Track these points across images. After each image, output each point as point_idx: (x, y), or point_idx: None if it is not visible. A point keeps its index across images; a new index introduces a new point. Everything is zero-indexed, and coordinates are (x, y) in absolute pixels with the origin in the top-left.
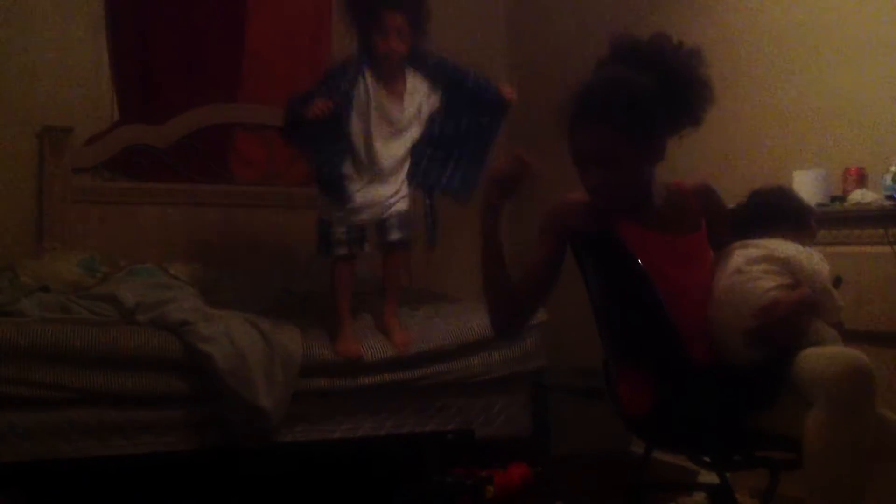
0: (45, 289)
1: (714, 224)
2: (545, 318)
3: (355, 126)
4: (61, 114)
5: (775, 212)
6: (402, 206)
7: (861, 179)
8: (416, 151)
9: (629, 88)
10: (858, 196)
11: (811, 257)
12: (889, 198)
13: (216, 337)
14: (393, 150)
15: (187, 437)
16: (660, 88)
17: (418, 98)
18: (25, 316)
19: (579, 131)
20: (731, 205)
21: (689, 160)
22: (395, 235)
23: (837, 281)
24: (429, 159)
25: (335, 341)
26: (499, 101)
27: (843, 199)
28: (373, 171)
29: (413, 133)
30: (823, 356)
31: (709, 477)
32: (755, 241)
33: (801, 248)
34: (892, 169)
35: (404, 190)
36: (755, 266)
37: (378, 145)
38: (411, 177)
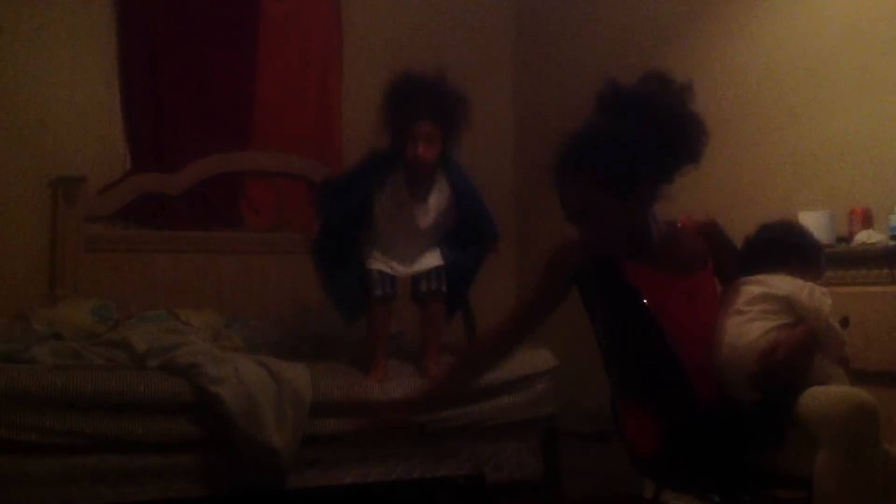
0: (58, 336)
1: (721, 261)
2: (556, 364)
3: (382, 223)
4: (74, 163)
5: (782, 247)
6: (431, 263)
7: (867, 220)
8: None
9: (603, 142)
10: (864, 237)
11: (812, 293)
12: (894, 238)
13: (226, 378)
14: (415, 249)
15: (198, 482)
16: (648, 132)
17: (442, 203)
18: (38, 363)
19: (562, 187)
20: (740, 242)
21: (695, 201)
22: (425, 286)
23: (844, 321)
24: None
25: (367, 373)
26: (492, 239)
27: (848, 239)
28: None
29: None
30: (828, 396)
31: None
32: (756, 278)
33: (801, 283)
34: None
35: (433, 261)
36: (755, 306)
37: (399, 247)
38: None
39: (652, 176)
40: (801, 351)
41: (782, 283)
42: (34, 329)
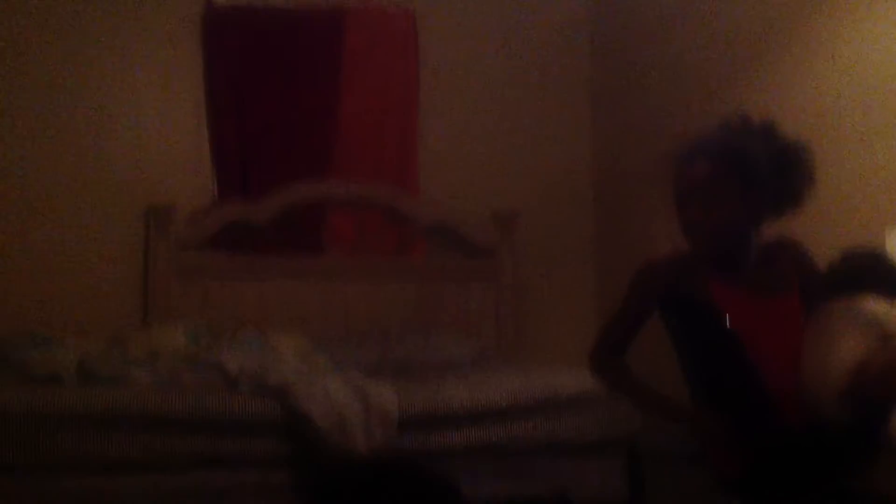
0: (154, 358)
1: (806, 283)
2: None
3: None
4: (166, 193)
5: (867, 275)
6: None
7: None
8: None
9: (752, 143)
10: None
11: None
12: None
13: (315, 396)
14: None
15: (292, 498)
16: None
17: None
18: (135, 384)
19: (690, 165)
20: (823, 265)
21: (781, 221)
22: None
23: None
24: None
25: None
26: None
27: None
28: None
29: None
30: None
31: None
32: (843, 300)
33: (890, 304)
34: None
35: None
36: (843, 326)
37: None
38: None
39: (771, 199)
40: (892, 370)
41: (871, 305)
42: (131, 352)
